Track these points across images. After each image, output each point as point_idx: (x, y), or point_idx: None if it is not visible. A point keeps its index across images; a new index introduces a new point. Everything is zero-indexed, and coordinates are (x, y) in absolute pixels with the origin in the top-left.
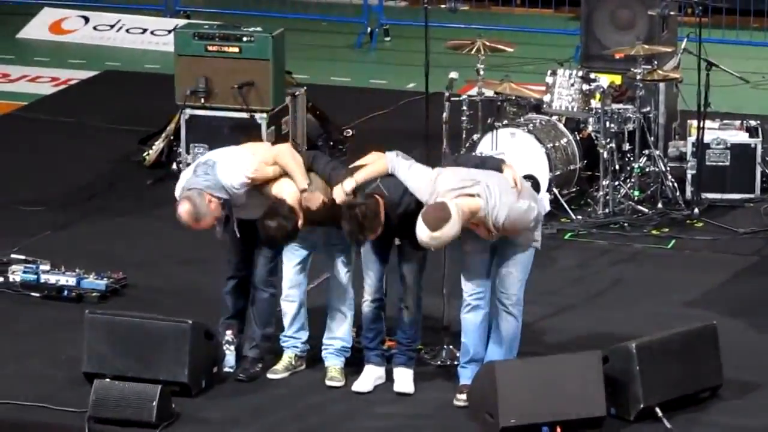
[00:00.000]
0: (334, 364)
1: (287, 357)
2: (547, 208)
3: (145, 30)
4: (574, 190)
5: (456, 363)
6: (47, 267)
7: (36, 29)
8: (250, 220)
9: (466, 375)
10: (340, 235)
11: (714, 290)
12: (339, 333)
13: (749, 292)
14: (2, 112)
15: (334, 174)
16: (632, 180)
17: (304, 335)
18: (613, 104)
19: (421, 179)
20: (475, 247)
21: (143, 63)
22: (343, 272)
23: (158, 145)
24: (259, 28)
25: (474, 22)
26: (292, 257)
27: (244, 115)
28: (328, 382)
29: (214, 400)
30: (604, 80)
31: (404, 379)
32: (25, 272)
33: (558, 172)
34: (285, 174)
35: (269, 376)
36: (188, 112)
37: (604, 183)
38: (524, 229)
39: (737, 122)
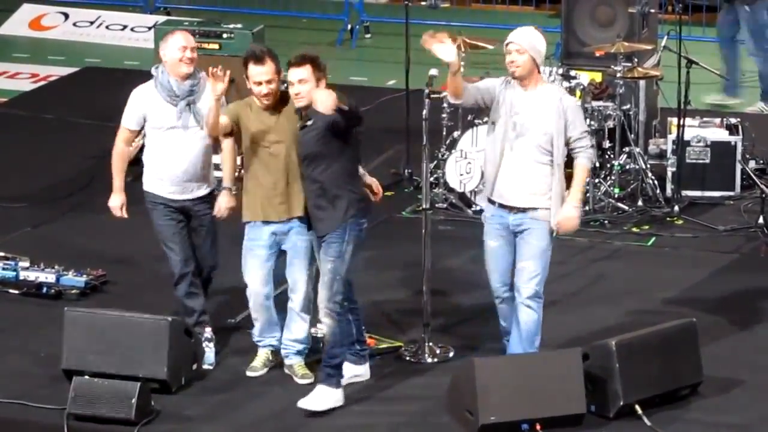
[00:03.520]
0: (297, 361)
1: (264, 354)
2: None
3: (125, 26)
4: None
5: (436, 360)
6: (26, 264)
7: (15, 25)
8: (187, 201)
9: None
10: (301, 238)
11: (694, 287)
12: (298, 335)
13: (729, 290)
14: None
15: None
16: (612, 177)
17: (278, 333)
18: (594, 101)
19: None
20: (498, 241)
21: (123, 59)
22: (302, 275)
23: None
24: (239, 25)
25: (454, 19)
26: (255, 264)
27: None
28: (300, 381)
29: (194, 397)
30: (585, 77)
31: (313, 395)
32: (4, 269)
33: None
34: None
35: (249, 373)
36: None
37: None
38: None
39: (717, 120)
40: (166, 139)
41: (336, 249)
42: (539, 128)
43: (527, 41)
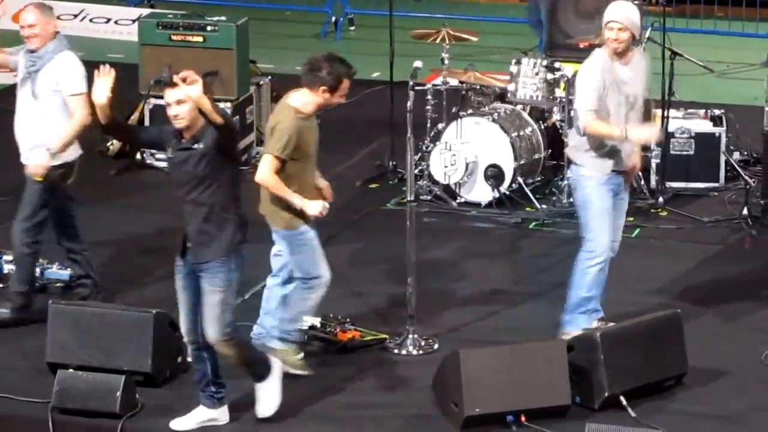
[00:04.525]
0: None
1: None
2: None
3: (109, 20)
4: (538, 179)
5: (421, 352)
6: (11, 257)
7: None
8: None
9: (583, 321)
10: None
11: (678, 279)
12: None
13: (713, 281)
14: None
15: None
16: None
17: None
18: None
19: None
20: (610, 201)
21: (107, 52)
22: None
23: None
24: (223, 18)
25: (438, 11)
26: None
27: None
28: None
29: (179, 390)
30: (569, 69)
31: (264, 401)
32: None
33: (523, 162)
34: None
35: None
36: (152, 101)
37: (568, 172)
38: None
39: (701, 111)
40: (18, 101)
41: (223, 279)
42: (642, 94)
43: (627, 18)
